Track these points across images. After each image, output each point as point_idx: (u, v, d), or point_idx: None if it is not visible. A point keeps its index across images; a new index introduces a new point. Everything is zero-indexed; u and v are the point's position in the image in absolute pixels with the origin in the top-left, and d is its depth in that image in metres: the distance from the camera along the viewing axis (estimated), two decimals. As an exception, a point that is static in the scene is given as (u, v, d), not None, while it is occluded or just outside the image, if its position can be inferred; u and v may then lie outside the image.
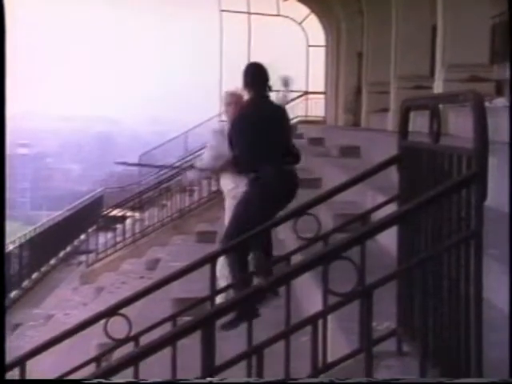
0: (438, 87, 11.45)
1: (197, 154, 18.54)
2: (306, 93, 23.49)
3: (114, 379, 3.41)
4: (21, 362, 4.81)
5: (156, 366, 4.05)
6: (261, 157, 6.22)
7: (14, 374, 4.68)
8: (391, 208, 3.89)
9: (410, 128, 3.75)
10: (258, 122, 6.27)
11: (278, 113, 6.51)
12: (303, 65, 25.37)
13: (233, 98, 7.38)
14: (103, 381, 3.26)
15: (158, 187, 16.46)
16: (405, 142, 3.70)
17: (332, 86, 21.54)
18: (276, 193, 6.07)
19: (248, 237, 4.38)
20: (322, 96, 22.61)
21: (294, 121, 20.03)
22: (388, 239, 4.76)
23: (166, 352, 3.62)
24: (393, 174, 3.94)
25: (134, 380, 3.49)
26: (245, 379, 3.36)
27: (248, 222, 5.65)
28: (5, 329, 3.46)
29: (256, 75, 6.43)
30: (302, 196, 6.54)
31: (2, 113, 2.97)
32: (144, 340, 4.11)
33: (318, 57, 23.95)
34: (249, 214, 5.99)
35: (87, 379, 3.30)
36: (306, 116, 23.14)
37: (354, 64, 19.77)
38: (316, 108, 23.13)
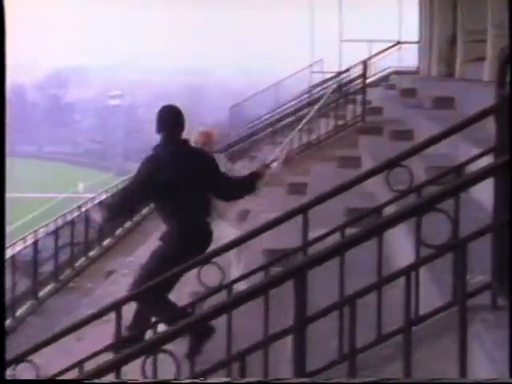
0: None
1: (288, 105, 18.50)
2: (399, 42, 23.10)
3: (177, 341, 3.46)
4: (115, 306, 4.93)
5: (247, 315, 4.11)
6: (170, 210, 5.84)
7: (109, 318, 4.81)
8: (486, 161, 3.82)
9: (509, 77, 3.65)
10: (168, 173, 5.79)
11: (194, 160, 5.96)
12: (396, 13, 24.94)
13: (202, 138, 7.51)
14: (103, 381, 3.32)
15: (248, 139, 16.53)
16: (503, 92, 3.61)
17: (426, 34, 21.10)
18: (180, 251, 5.66)
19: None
20: (415, 45, 22.17)
21: (386, 71, 19.72)
22: (482, 192, 4.68)
23: (259, 302, 3.66)
24: (488, 126, 3.86)
25: (134, 380, 3.54)
26: (245, 379, 3.38)
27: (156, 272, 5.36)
28: (5, 329, 3.54)
29: (170, 119, 5.99)
30: (394, 148, 6.48)
31: (2, 111, 3.00)
32: (236, 289, 4.17)
33: (412, 5, 23.47)
34: (157, 266, 5.71)
35: (88, 379, 3.36)
36: (398, 66, 22.76)
37: (449, 12, 19.28)
38: (409, 58, 22.73)
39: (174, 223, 5.82)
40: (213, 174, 6.01)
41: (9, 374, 4.52)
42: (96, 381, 3.31)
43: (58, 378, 3.42)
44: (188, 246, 5.70)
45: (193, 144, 7.04)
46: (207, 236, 5.90)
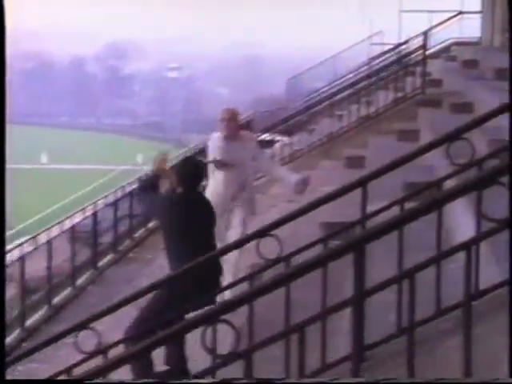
0: None
1: (346, 78, 18.36)
2: (461, 12, 22.68)
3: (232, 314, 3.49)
4: (173, 277, 4.99)
5: (307, 287, 4.13)
6: (178, 254, 5.92)
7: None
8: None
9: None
10: (183, 218, 5.98)
11: (206, 209, 6.23)
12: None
13: (228, 115, 7.51)
14: (104, 381, 3.34)
15: (306, 111, 16.46)
16: None
17: (488, 4, 20.70)
18: (185, 294, 5.55)
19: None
20: (477, 15, 21.74)
21: (447, 43, 19.42)
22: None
23: (317, 273, 3.68)
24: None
25: (135, 380, 3.56)
26: (245, 379, 3.38)
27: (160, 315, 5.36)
28: (4, 329, 3.59)
29: (190, 172, 6.23)
30: (454, 121, 6.40)
31: (2, 110, 3.02)
32: (296, 260, 4.19)
33: (475, -27, 23.01)
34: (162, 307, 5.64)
35: (88, 379, 3.39)
36: (459, 37, 22.38)
37: (513, -20, 18.84)
38: (470, 28, 22.31)
39: (175, 266, 5.79)
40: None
41: (71, 341, 4.61)
42: (97, 381, 3.36)
43: (58, 379, 3.43)
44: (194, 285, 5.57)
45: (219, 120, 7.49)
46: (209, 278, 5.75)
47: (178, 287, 5.50)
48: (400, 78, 14.32)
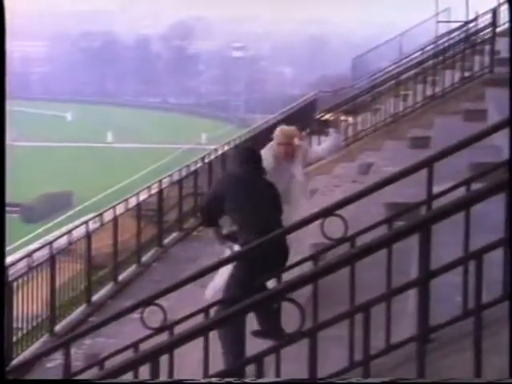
0: None
1: (412, 57, 18.14)
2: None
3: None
4: (237, 257, 5.02)
5: (371, 267, 4.12)
6: (247, 227, 5.97)
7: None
8: None
9: None
10: (246, 192, 6.07)
11: (268, 186, 6.25)
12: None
13: (286, 139, 7.20)
14: (105, 381, 3.35)
15: (371, 91, 16.32)
16: None
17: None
18: (258, 267, 5.55)
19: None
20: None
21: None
22: None
23: (381, 254, 3.67)
24: None
25: (136, 380, 3.57)
26: (246, 379, 3.37)
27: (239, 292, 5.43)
28: (4, 329, 3.61)
29: (249, 156, 6.29)
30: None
31: (2, 110, 3.02)
32: (360, 240, 4.18)
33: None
34: (240, 285, 5.67)
35: (88, 379, 3.41)
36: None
37: None
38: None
39: (244, 241, 5.86)
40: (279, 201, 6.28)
41: (137, 316, 4.68)
42: (97, 381, 3.40)
43: (59, 379, 3.47)
44: (265, 259, 5.58)
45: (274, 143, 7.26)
46: (280, 251, 5.86)
47: (247, 264, 5.59)
48: (467, 56, 14.09)
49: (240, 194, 6.11)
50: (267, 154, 7.18)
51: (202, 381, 3.40)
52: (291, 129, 7.56)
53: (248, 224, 6.02)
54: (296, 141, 7.36)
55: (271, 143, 7.38)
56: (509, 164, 3.25)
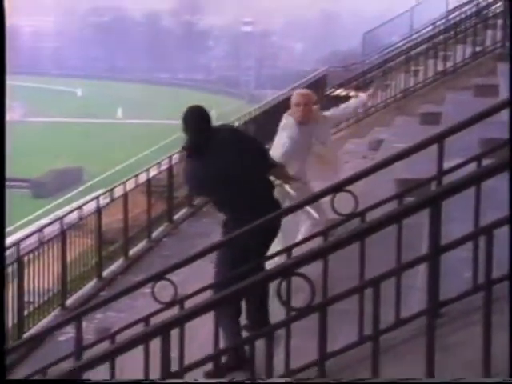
0: None
1: (423, 32, 18.05)
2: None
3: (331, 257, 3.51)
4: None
5: (380, 242, 4.12)
6: (226, 203, 5.43)
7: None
8: None
9: None
10: (211, 168, 5.35)
11: (232, 142, 5.53)
12: None
13: (303, 99, 7.13)
14: (105, 381, 3.36)
15: (382, 66, 16.25)
16: None
17: None
18: (243, 244, 5.12)
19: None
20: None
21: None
22: None
23: (391, 229, 3.67)
24: None
25: (136, 380, 3.58)
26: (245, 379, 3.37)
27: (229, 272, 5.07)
28: (4, 330, 3.62)
29: (192, 120, 5.63)
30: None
31: (2, 108, 3.02)
32: (369, 216, 4.19)
33: None
34: (227, 264, 5.29)
35: (89, 379, 3.42)
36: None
37: None
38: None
39: (228, 214, 5.47)
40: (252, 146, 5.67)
41: (148, 291, 4.71)
42: (97, 381, 3.42)
43: (59, 378, 3.48)
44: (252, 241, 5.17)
45: (292, 107, 7.10)
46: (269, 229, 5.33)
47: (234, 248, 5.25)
48: (479, 31, 14.00)
49: (206, 183, 5.43)
50: (288, 119, 7.17)
51: (202, 381, 3.43)
52: (308, 91, 7.60)
53: (231, 208, 5.44)
54: (313, 104, 7.35)
55: (289, 111, 7.33)
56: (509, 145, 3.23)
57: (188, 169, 5.54)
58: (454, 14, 17.73)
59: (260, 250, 5.27)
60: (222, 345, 4.73)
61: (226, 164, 5.40)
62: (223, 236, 5.40)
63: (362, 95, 8.04)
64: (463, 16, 16.15)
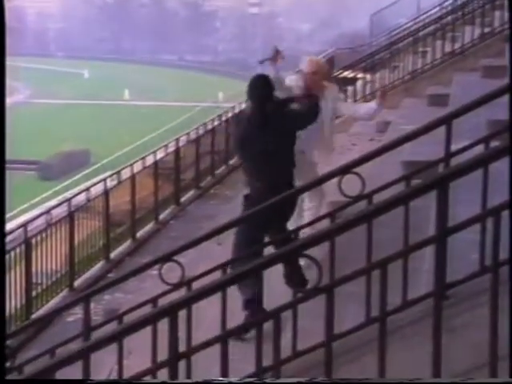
0: None
1: (430, 13, 17.97)
2: None
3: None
4: (253, 215, 5.03)
5: (387, 224, 4.13)
6: (252, 174, 5.99)
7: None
8: None
9: None
10: (249, 140, 5.94)
11: (278, 120, 6.01)
12: None
13: (314, 67, 7.03)
14: (109, 380, 3.36)
15: (389, 48, 16.20)
16: None
17: None
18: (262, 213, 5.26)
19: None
20: None
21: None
22: None
23: (398, 211, 3.67)
24: None
25: (137, 380, 3.59)
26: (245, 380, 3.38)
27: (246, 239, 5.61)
28: (5, 330, 3.61)
29: (256, 88, 6.11)
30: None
31: (2, 106, 3.01)
32: (376, 198, 4.19)
33: None
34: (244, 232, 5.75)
35: (89, 379, 3.42)
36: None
37: None
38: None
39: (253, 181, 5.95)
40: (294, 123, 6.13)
41: (155, 273, 4.73)
42: (98, 381, 3.43)
43: (60, 379, 3.50)
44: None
45: (303, 71, 7.07)
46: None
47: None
48: (487, 11, 13.92)
49: (245, 143, 5.96)
50: (298, 80, 7.04)
51: (202, 381, 3.44)
52: (320, 58, 7.44)
53: (253, 174, 5.95)
54: (323, 73, 7.21)
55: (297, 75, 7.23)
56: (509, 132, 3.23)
57: (235, 129, 6.31)
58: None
59: (279, 225, 5.71)
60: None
61: (262, 138, 5.86)
62: (244, 209, 5.79)
63: (372, 104, 7.77)
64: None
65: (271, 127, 5.93)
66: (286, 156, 6.01)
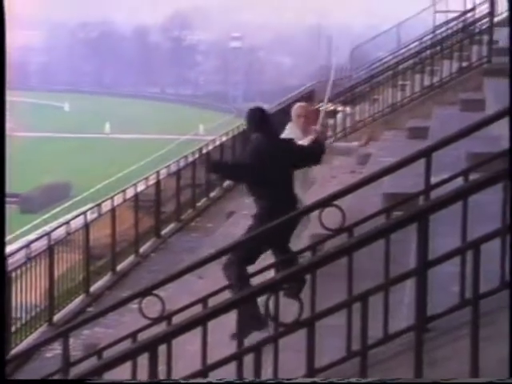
0: None
1: (410, 47, 18.14)
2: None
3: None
4: (234, 247, 5.00)
5: (369, 258, 4.13)
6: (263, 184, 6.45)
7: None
8: None
9: None
10: (263, 155, 6.45)
11: (284, 144, 6.68)
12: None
13: (302, 111, 7.67)
14: (105, 381, 3.36)
15: (369, 81, 16.31)
16: None
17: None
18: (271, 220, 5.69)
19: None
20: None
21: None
22: None
23: (379, 243, 3.67)
24: None
25: (134, 381, 3.58)
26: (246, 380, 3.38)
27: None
28: (5, 330, 3.61)
29: (261, 119, 6.65)
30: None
31: (2, 109, 3.01)
32: (357, 231, 4.19)
33: None
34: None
35: (90, 379, 3.41)
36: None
37: None
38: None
39: (263, 201, 6.45)
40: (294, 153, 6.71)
41: (135, 307, 4.69)
42: (98, 381, 3.41)
43: (60, 378, 3.47)
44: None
45: (294, 118, 7.70)
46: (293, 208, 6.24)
47: (262, 222, 6.00)
48: (465, 46, 14.08)
49: (260, 166, 6.39)
50: (293, 127, 7.62)
51: (202, 381, 3.41)
52: (306, 104, 8.22)
53: (262, 195, 6.42)
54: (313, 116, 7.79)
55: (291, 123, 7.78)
56: (509, 154, 3.24)
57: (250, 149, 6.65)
58: (440, 30, 17.83)
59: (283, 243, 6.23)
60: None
61: (281, 162, 6.47)
62: (255, 226, 6.21)
63: (355, 144, 8.59)
64: (450, 32, 16.24)
65: (286, 156, 6.54)
66: (291, 182, 6.64)
